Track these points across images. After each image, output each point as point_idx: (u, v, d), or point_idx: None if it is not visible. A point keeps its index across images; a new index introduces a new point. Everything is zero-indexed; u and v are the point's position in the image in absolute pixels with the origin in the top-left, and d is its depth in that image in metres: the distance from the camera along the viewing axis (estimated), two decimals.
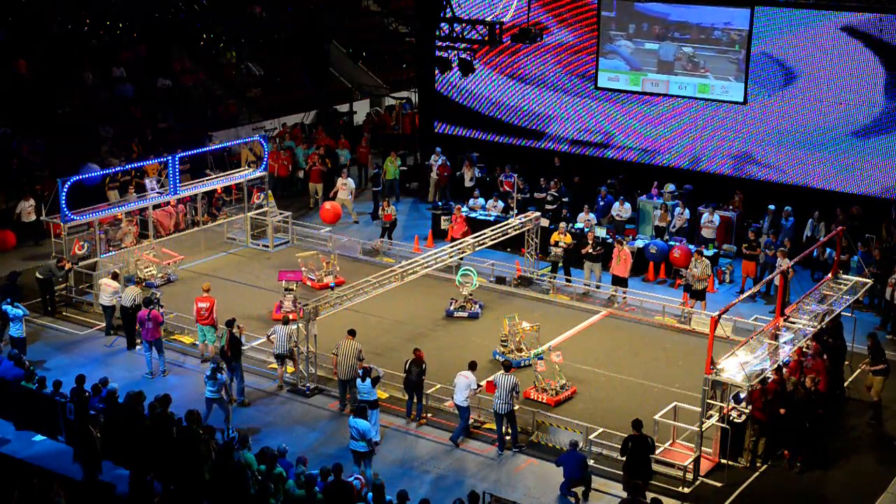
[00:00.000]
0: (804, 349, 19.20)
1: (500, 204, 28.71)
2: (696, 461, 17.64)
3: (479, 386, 18.67)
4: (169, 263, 26.00)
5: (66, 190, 23.82)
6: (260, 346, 21.93)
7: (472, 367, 18.81)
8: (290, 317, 21.16)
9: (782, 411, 17.76)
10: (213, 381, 18.76)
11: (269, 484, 15.39)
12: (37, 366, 20.59)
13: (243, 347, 20.44)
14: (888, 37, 25.81)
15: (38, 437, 18.56)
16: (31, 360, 20.35)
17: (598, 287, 25.41)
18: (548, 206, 28.37)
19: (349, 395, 19.62)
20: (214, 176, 28.59)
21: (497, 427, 18.53)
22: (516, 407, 18.52)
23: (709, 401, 17.62)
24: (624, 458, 16.87)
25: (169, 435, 16.51)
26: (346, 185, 30.74)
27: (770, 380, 18.00)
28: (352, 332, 19.67)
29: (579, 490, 17.08)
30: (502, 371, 18.74)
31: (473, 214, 28.24)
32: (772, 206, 26.82)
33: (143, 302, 21.28)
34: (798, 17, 26.94)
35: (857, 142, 26.78)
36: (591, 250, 25.27)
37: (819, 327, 19.70)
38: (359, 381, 18.61)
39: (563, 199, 28.75)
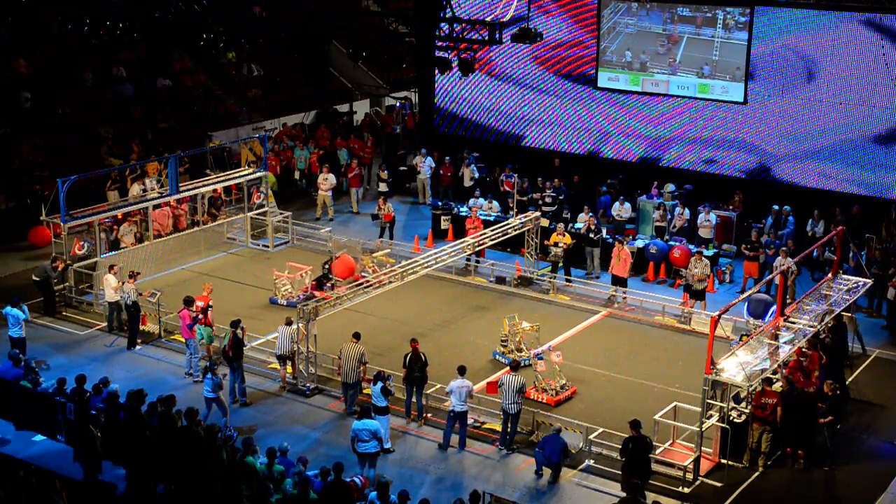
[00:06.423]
0: (804, 349, 19.19)
1: (495, 204, 28.72)
2: (696, 461, 17.64)
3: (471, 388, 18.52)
4: (302, 275, 24.89)
5: (65, 190, 23.84)
6: (260, 346, 21.95)
7: (462, 371, 18.65)
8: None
9: (779, 412, 17.74)
10: (208, 381, 18.84)
11: (268, 484, 15.41)
12: (37, 366, 20.55)
13: (244, 347, 20.43)
14: (889, 37, 25.82)
15: (38, 437, 18.55)
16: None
17: (597, 277, 26.01)
18: (545, 208, 28.34)
19: (346, 397, 19.72)
20: (214, 176, 28.60)
21: (503, 426, 18.56)
22: None
23: (709, 401, 17.62)
24: (623, 459, 16.87)
25: (172, 435, 16.52)
26: (326, 181, 30.75)
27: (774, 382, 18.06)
28: (356, 336, 19.68)
29: (548, 472, 17.52)
30: (509, 371, 18.74)
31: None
32: (775, 206, 26.80)
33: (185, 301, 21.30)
34: (798, 17, 26.96)
35: (857, 142, 26.81)
36: (592, 236, 26.02)
37: (824, 325, 19.71)
38: (372, 385, 18.56)
39: (560, 198, 28.75)
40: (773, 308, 20.45)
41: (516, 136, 32.16)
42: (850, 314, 21.33)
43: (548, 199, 28.68)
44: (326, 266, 25.11)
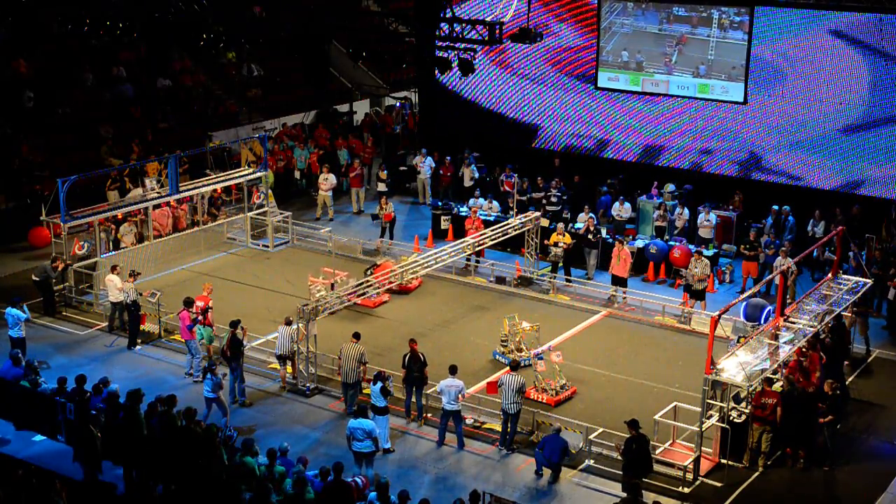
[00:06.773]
0: (804, 349, 19.19)
1: (495, 204, 28.75)
2: (696, 461, 17.64)
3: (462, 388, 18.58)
4: (338, 280, 24.16)
5: (65, 190, 23.84)
6: (260, 346, 21.95)
7: (453, 370, 18.68)
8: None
9: (779, 412, 17.75)
10: (208, 381, 18.88)
11: (268, 484, 15.41)
12: (39, 365, 20.51)
13: (243, 347, 20.43)
14: (888, 36, 25.83)
15: (38, 437, 18.56)
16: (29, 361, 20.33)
17: (589, 278, 25.99)
18: (549, 207, 28.41)
19: (346, 397, 19.72)
20: (214, 176, 28.60)
21: (503, 426, 18.57)
22: None
23: (709, 401, 17.63)
24: (625, 459, 16.88)
25: (172, 435, 16.54)
26: (327, 181, 30.76)
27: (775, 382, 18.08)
28: (356, 336, 19.68)
29: (548, 472, 17.56)
30: (509, 371, 18.73)
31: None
32: (775, 207, 26.80)
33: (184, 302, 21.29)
34: (798, 17, 26.98)
35: (858, 142, 26.82)
36: (590, 237, 26.10)
37: (824, 325, 19.73)
38: (372, 385, 18.57)
39: (565, 198, 28.78)
40: (768, 309, 20.43)
41: (517, 135, 32.15)
42: (857, 314, 21.34)
43: (552, 199, 28.70)
44: (369, 272, 24.76)
